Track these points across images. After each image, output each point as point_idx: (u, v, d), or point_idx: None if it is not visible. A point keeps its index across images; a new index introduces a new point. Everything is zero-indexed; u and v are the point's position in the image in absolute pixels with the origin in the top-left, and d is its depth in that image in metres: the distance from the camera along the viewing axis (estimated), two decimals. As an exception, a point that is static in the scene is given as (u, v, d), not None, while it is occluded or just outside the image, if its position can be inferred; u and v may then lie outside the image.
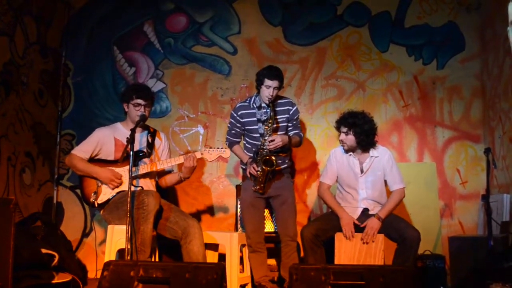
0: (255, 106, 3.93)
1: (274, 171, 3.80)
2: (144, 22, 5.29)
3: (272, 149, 3.73)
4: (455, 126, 4.95)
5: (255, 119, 3.91)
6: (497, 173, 4.51)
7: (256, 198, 3.89)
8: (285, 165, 3.96)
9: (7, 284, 2.73)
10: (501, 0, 4.37)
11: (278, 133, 3.87)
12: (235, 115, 4.00)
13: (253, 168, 3.80)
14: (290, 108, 3.96)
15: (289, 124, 3.96)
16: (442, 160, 4.91)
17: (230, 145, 4.06)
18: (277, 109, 3.91)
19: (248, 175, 3.88)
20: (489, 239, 3.44)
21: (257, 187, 3.81)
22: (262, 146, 3.77)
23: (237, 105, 4.06)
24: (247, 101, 4.01)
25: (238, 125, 4.00)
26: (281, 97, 4.03)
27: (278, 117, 3.90)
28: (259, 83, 3.84)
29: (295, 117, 3.97)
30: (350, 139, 3.73)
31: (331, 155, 3.92)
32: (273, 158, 3.72)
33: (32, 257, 3.60)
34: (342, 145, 3.80)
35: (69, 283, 3.81)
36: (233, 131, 4.04)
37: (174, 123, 5.15)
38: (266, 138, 3.75)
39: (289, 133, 3.94)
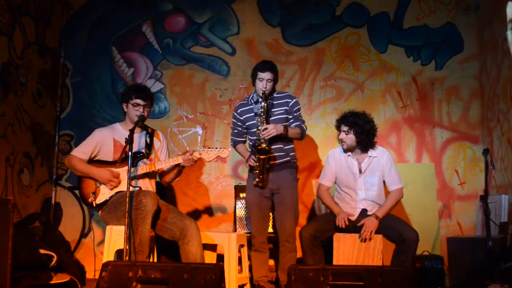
0: (252, 101, 3.95)
1: (270, 160, 3.77)
2: (143, 22, 5.29)
3: (266, 137, 3.70)
4: (453, 127, 4.96)
5: (252, 114, 3.92)
6: (495, 174, 4.52)
7: (261, 197, 3.87)
8: (288, 158, 3.89)
9: (6, 285, 2.73)
10: (500, 1, 4.39)
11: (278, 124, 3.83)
12: (235, 113, 4.02)
13: (252, 159, 3.81)
14: (289, 100, 3.93)
15: (290, 117, 3.93)
16: (441, 161, 4.92)
17: (235, 144, 4.08)
18: (275, 102, 3.91)
19: (248, 168, 3.88)
20: (487, 240, 3.45)
21: (257, 179, 3.80)
22: (257, 137, 3.77)
23: (237, 104, 4.09)
24: (246, 99, 4.05)
25: (239, 123, 4.01)
26: (281, 92, 4.04)
27: (275, 109, 3.89)
28: (254, 78, 3.88)
29: (294, 109, 3.93)
30: (350, 138, 3.73)
31: (330, 156, 3.92)
32: (264, 145, 3.69)
33: (31, 258, 3.60)
34: (341, 144, 3.80)
35: (67, 283, 3.81)
36: (235, 130, 4.06)
37: (173, 124, 5.15)
38: (259, 128, 3.76)
39: (291, 126, 3.90)
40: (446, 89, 5.01)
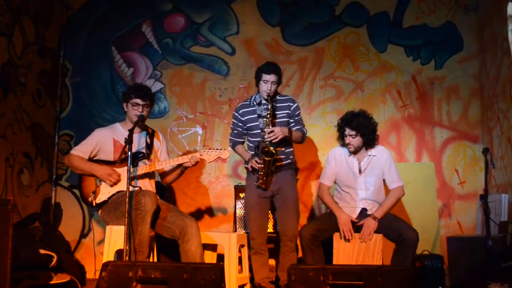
0: (255, 103, 3.95)
1: (275, 162, 3.78)
2: (142, 22, 5.29)
3: (272, 139, 3.71)
4: (453, 126, 4.96)
5: (255, 115, 3.91)
6: (495, 173, 4.52)
7: (260, 198, 3.87)
8: (289, 161, 3.92)
9: (5, 285, 2.72)
10: (499, 0, 4.38)
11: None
12: (236, 114, 4.01)
13: (255, 161, 3.80)
14: (291, 104, 3.95)
15: (291, 120, 3.95)
16: (441, 160, 4.92)
17: (233, 145, 4.07)
18: (277, 105, 3.91)
19: (250, 169, 3.87)
20: (487, 239, 3.45)
21: (260, 181, 3.80)
22: (262, 139, 3.77)
23: (239, 105, 4.08)
24: (248, 100, 4.04)
25: (240, 124, 4.01)
26: (282, 95, 4.05)
27: (278, 112, 3.89)
28: (258, 79, 3.87)
29: (296, 113, 3.96)
30: (357, 140, 3.72)
31: (330, 155, 3.92)
32: (271, 148, 3.70)
33: (31, 258, 3.60)
34: (348, 147, 3.77)
35: (67, 283, 3.81)
36: (235, 131, 4.05)
37: (173, 124, 5.14)
38: (265, 130, 3.76)
39: (292, 129, 3.91)
40: (445, 89, 5.01)
